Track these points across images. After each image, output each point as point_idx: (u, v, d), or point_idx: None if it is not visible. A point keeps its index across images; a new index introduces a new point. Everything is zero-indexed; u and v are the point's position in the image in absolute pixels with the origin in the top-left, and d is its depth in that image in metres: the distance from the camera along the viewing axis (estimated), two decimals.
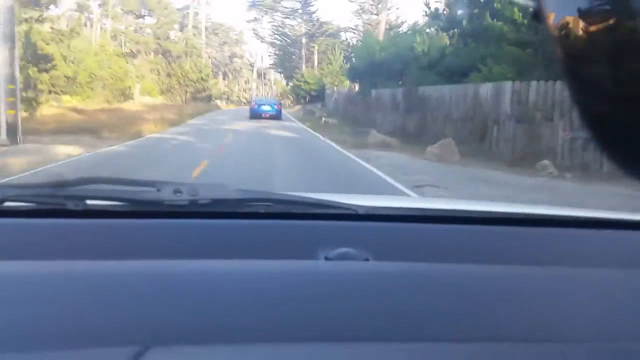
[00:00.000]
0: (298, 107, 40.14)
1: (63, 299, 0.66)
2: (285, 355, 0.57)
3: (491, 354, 0.59)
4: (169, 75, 39.91)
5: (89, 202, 1.00)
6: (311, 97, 39.69)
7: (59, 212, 0.99)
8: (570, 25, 0.29)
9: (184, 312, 0.63)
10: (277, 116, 25.37)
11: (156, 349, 0.55)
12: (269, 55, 56.07)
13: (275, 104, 26.91)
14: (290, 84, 50.88)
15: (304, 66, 48.54)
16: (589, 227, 1.14)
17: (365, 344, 0.59)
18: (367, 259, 0.87)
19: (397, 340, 0.60)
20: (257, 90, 57.08)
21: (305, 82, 41.93)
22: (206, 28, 57.55)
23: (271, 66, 58.66)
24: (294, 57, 53.45)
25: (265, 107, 26.03)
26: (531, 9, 0.30)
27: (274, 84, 62.14)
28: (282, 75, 60.87)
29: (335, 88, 32.45)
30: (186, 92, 38.65)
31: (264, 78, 61.56)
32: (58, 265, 0.77)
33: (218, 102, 47.21)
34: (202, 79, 40.40)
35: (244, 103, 49.54)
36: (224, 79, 60.33)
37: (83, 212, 0.99)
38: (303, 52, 51.53)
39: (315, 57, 48.89)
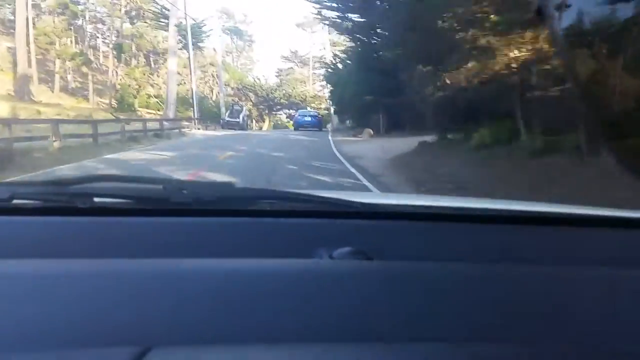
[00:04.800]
0: None
1: (68, 298, 0.66)
2: (289, 355, 0.57)
3: (495, 354, 0.60)
4: None
5: (95, 199, 1.01)
6: None
7: (67, 210, 1.00)
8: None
9: (187, 312, 0.63)
10: (317, 126, 28.81)
11: (159, 349, 0.54)
12: None
13: (315, 116, 30.80)
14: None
15: None
16: (594, 225, 1.15)
17: (369, 344, 0.59)
18: (371, 258, 0.88)
19: (401, 340, 0.61)
20: (182, 83, 31.33)
21: None
22: None
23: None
24: None
25: (307, 119, 29.84)
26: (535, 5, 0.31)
27: (228, 71, 35.20)
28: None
29: None
30: None
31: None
32: (65, 264, 0.77)
33: None
34: None
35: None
36: (119, 61, 33.00)
37: (90, 210, 1.00)
38: None
39: None
